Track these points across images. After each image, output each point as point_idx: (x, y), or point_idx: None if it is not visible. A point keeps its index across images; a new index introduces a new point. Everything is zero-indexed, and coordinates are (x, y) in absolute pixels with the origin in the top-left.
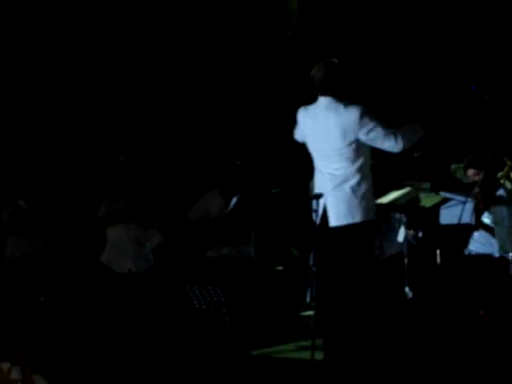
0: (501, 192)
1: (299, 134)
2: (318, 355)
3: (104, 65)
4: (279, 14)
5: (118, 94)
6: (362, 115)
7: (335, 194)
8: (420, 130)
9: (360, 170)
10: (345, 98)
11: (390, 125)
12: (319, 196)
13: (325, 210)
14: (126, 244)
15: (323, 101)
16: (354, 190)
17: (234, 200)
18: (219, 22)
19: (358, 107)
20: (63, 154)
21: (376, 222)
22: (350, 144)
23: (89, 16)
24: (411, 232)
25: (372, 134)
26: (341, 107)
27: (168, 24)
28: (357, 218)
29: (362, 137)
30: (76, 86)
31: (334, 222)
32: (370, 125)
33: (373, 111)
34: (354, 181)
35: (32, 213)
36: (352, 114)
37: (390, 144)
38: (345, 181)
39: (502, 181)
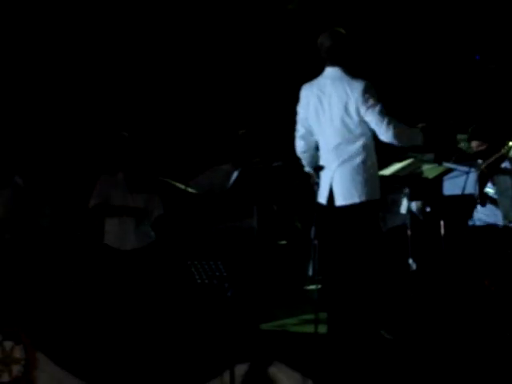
0: (505, 163)
1: (302, 114)
2: (322, 329)
3: (109, 42)
4: None
5: (122, 67)
6: (366, 90)
7: (341, 172)
8: (419, 138)
9: (365, 147)
10: (351, 70)
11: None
12: (320, 168)
13: (331, 189)
14: (127, 220)
15: (330, 71)
16: (359, 167)
17: (236, 173)
18: None
19: (363, 81)
20: (63, 130)
21: (381, 201)
22: (354, 118)
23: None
24: (419, 205)
25: (368, 113)
26: (347, 79)
27: None
28: (362, 197)
29: (361, 112)
30: (78, 62)
31: (340, 201)
32: (370, 102)
33: (376, 85)
34: (359, 158)
35: (30, 190)
36: (357, 87)
37: (380, 129)
38: (350, 158)
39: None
